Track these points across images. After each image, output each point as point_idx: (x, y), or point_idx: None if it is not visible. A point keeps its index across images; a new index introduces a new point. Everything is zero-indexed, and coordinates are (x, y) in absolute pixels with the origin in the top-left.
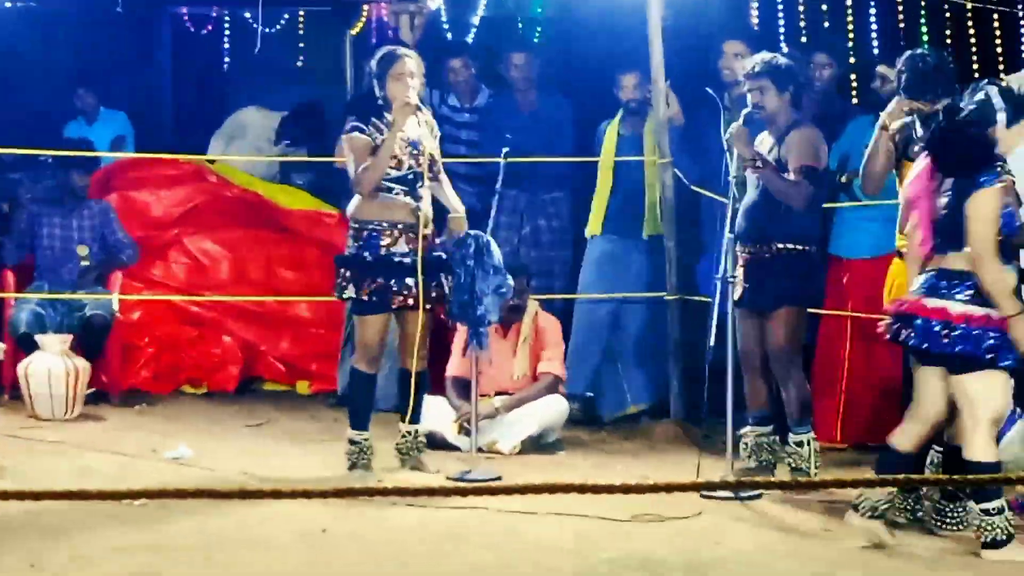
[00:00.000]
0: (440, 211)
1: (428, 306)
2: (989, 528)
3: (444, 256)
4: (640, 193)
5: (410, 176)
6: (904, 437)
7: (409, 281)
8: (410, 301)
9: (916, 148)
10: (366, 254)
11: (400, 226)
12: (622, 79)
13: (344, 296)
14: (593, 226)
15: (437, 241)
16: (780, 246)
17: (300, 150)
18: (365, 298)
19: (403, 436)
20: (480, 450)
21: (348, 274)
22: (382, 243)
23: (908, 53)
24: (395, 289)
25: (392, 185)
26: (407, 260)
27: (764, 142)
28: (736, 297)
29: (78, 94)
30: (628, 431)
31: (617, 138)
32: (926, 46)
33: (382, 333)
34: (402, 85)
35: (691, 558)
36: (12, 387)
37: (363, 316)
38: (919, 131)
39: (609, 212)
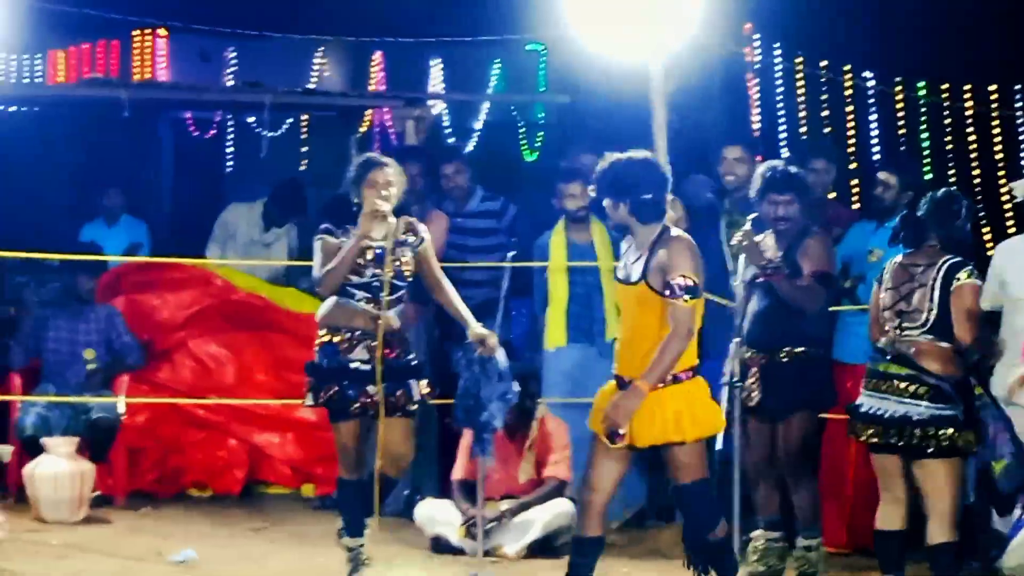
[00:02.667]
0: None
1: (398, 413)
2: None
3: (413, 362)
4: (598, 298)
5: (375, 284)
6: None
7: (370, 388)
8: (370, 410)
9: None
10: (324, 361)
11: (358, 333)
12: (566, 188)
13: (306, 403)
14: (555, 337)
15: (410, 355)
16: (794, 351)
17: (290, 228)
18: (323, 404)
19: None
20: (487, 554)
21: (310, 381)
22: (340, 350)
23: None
24: (351, 396)
25: (354, 291)
26: (365, 367)
27: (768, 246)
28: (751, 404)
29: (108, 194)
30: (634, 535)
31: (567, 246)
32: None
33: (355, 440)
34: (374, 193)
35: None
36: (18, 490)
37: (333, 423)
38: None
39: (570, 320)
